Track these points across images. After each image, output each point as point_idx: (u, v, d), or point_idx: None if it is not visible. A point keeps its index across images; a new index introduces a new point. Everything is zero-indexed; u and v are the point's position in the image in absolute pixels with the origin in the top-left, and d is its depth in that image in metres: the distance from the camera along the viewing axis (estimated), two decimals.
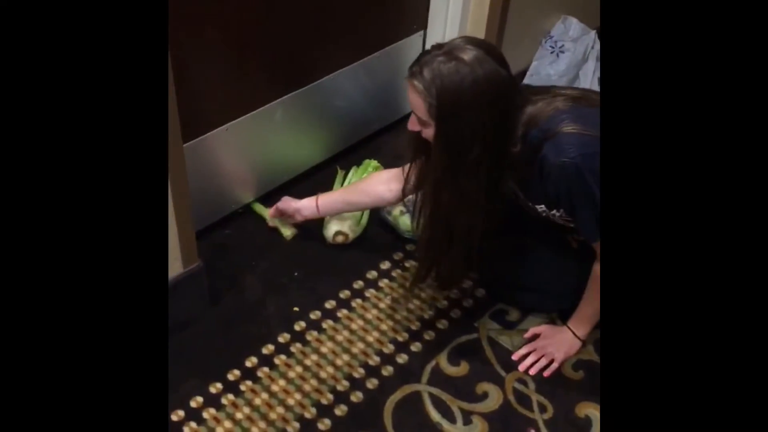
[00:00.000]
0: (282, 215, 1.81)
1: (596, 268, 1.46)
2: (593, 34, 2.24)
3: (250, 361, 1.55)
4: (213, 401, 1.48)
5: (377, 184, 1.70)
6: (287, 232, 1.83)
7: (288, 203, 1.79)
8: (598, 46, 2.24)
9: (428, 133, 1.37)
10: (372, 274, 1.76)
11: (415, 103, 1.34)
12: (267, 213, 1.84)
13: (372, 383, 1.53)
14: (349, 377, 1.54)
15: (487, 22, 1.99)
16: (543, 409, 1.50)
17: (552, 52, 2.18)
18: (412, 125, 1.40)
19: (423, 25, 2.06)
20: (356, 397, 1.50)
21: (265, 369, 1.54)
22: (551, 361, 1.57)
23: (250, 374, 1.53)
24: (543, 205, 1.46)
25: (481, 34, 2.01)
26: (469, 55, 1.28)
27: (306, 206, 1.76)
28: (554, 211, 1.45)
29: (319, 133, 2.00)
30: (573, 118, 1.35)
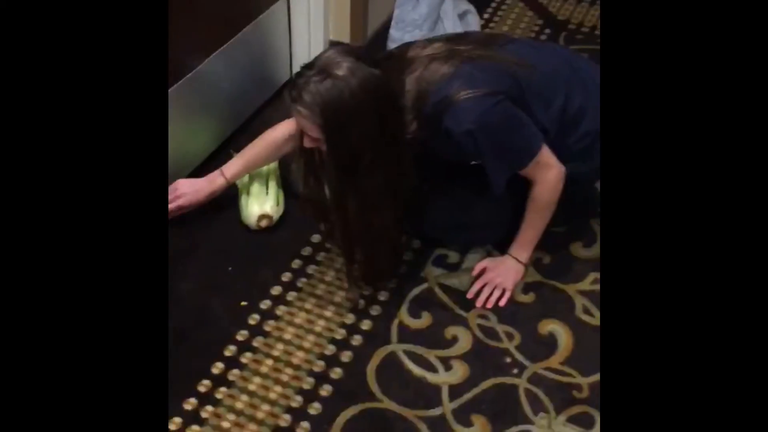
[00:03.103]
0: (185, 207, 1.72)
1: (534, 191, 1.53)
2: None
3: (217, 368, 1.49)
4: (192, 418, 1.41)
5: (279, 143, 1.70)
6: None
7: (187, 189, 1.71)
8: None
9: (324, 147, 1.40)
10: (307, 251, 1.73)
11: (304, 125, 1.37)
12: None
13: (346, 356, 1.52)
14: (321, 356, 1.52)
15: None
16: (510, 336, 1.57)
17: None
18: (308, 144, 1.43)
19: None
20: (336, 373, 1.49)
21: (236, 371, 1.49)
22: (503, 291, 1.63)
23: (221, 380, 1.47)
24: (460, 158, 1.52)
25: None
26: (341, 68, 1.31)
27: (214, 180, 1.71)
28: (472, 162, 1.50)
29: (207, 122, 1.92)
30: (461, 83, 1.41)
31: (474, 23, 2.33)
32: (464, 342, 1.55)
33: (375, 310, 1.61)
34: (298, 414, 1.42)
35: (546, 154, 1.49)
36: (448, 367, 1.51)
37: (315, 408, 1.43)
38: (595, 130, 1.54)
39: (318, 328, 1.57)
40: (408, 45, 1.56)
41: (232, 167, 1.73)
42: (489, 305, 1.62)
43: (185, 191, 1.72)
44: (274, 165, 1.83)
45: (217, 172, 1.73)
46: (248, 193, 1.76)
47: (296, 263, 1.70)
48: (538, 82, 1.50)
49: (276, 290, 1.64)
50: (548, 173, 1.51)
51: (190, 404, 1.43)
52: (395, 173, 1.45)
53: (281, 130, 1.70)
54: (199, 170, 1.88)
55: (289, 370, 1.49)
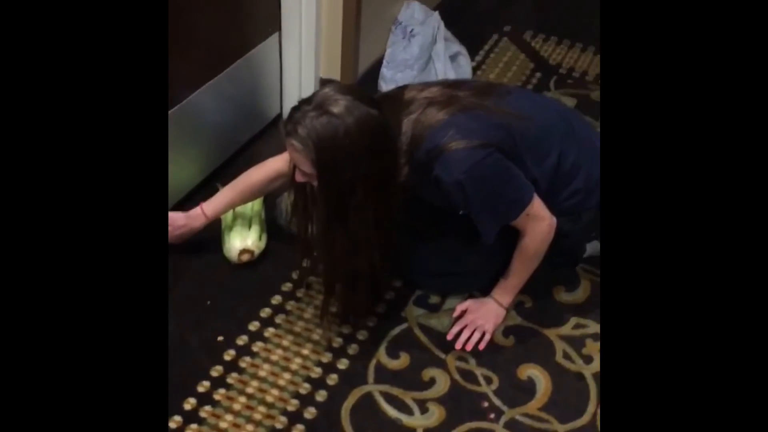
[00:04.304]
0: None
1: (523, 241, 1.52)
2: (436, 15, 2.30)
3: (189, 404, 1.46)
4: None
5: (265, 182, 1.68)
6: None
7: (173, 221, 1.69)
8: (442, 26, 2.31)
9: (315, 182, 1.40)
10: (287, 286, 1.71)
11: (297, 159, 1.36)
12: None
13: (321, 395, 1.50)
14: (296, 395, 1.49)
15: (343, 15, 1.99)
16: (488, 380, 1.55)
17: (404, 38, 2.22)
18: (299, 178, 1.42)
19: (277, 26, 2.02)
20: (310, 413, 1.47)
21: (207, 408, 1.46)
22: (483, 334, 1.62)
23: (192, 417, 1.44)
24: (449, 207, 1.52)
25: (338, 28, 2.01)
26: (338, 106, 1.31)
27: (194, 217, 1.69)
28: (460, 212, 1.50)
29: (194, 154, 1.91)
30: (454, 132, 1.41)
31: (465, 65, 2.34)
32: (442, 384, 1.53)
33: (353, 349, 1.59)
34: None
35: (537, 206, 1.48)
36: (424, 410, 1.48)
37: None
38: (585, 189, 1.54)
39: (294, 366, 1.54)
40: (404, 87, 1.55)
41: (213, 205, 1.70)
42: (468, 347, 1.60)
43: None
44: (258, 200, 1.82)
45: (197, 210, 1.70)
46: (231, 228, 1.75)
47: (276, 299, 1.68)
48: (533, 136, 1.49)
49: (254, 326, 1.62)
50: (539, 225, 1.50)
51: None
52: (385, 214, 1.44)
53: (267, 169, 1.68)
54: (184, 202, 1.88)
55: (262, 408, 1.46)
